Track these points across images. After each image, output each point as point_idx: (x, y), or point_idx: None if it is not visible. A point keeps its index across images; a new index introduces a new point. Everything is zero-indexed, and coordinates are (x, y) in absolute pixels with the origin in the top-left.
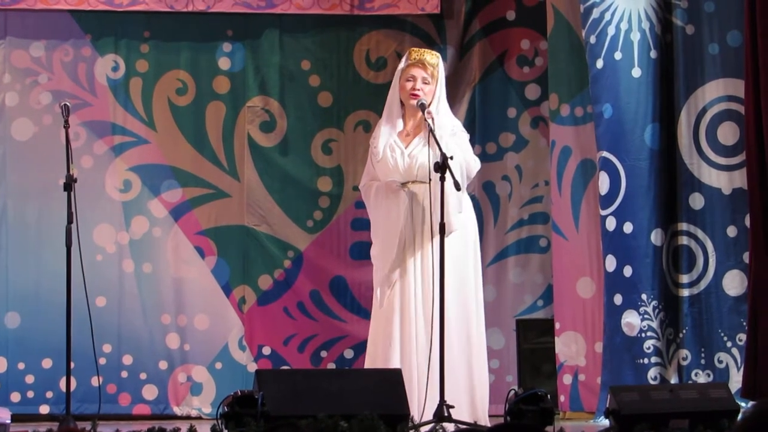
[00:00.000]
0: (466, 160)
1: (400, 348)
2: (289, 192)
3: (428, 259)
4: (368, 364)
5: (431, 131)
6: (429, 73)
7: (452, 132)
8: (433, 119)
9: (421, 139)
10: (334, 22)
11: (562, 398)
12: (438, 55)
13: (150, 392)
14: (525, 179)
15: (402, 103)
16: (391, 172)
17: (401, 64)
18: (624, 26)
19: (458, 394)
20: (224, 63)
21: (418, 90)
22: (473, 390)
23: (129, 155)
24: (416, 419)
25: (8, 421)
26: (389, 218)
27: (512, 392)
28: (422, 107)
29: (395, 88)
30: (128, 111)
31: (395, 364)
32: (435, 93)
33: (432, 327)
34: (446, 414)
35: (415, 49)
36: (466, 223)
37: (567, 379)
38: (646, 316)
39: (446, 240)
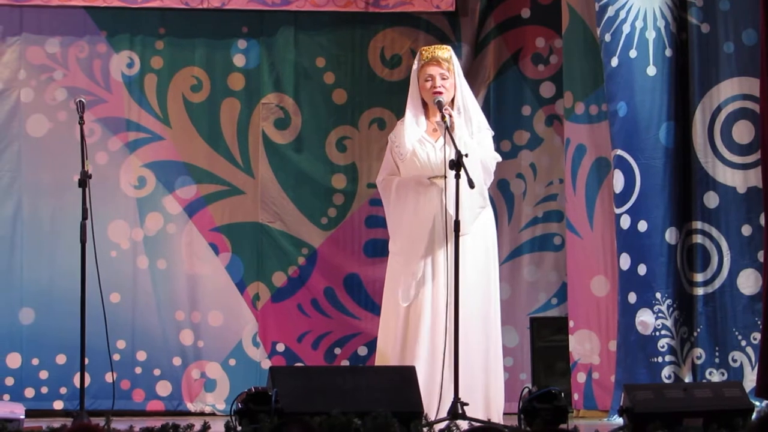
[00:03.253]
0: (484, 157)
1: (430, 344)
2: (303, 189)
3: (447, 256)
4: (380, 360)
5: (447, 129)
6: (445, 68)
7: (477, 128)
8: (451, 115)
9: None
10: (349, 19)
11: (575, 396)
12: (448, 48)
13: (164, 388)
14: (539, 177)
15: (425, 102)
16: (423, 166)
17: (415, 65)
18: (639, 24)
19: (474, 392)
20: (239, 60)
21: (440, 87)
22: (489, 388)
23: (144, 152)
24: (434, 416)
25: (22, 417)
26: (417, 212)
27: (526, 390)
28: (439, 105)
29: (414, 88)
30: (143, 107)
31: (422, 360)
32: (456, 85)
33: (447, 324)
34: (460, 411)
35: (425, 48)
36: (487, 221)
37: (581, 377)
38: (660, 314)
39: (468, 238)
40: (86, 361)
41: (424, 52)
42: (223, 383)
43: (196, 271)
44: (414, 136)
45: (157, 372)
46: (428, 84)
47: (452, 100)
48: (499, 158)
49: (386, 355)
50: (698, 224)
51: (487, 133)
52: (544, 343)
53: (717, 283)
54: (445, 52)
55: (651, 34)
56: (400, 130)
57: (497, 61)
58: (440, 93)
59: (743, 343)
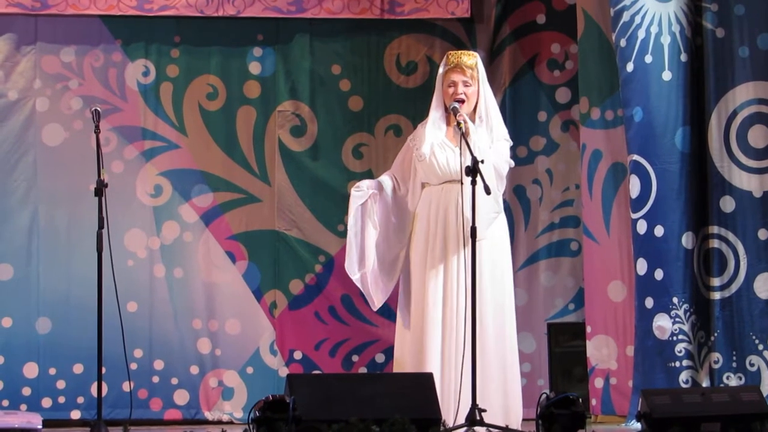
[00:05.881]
0: (497, 161)
1: (446, 351)
2: (319, 196)
3: (466, 261)
4: (397, 369)
5: (462, 135)
6: (469, 75)
7: (497, 137)
8: (465, 121)
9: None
10: (365, 26)
11: (593, 402)
12: (476, 55)
13: (181, 397)
14: (556, 183)
15: (446, 108)
16: (442, 171)
17: (441, 69)
18: (654, 29)
19: (493, 398)
20: (255, 68)
21: (461, 94)
22: (506, 394)
23: (160, 160)
24: (452, 423)
25: (40, 427)
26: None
27: (544, 396)
28: (454, 111)
29: (438, 92)
30: (159, 116)
31: (437, 367)
32: (479, 93)
33: (465, 331)
34: (478, 418)
35: (452, 52)
36: (500, 227)
37: (598, 382)
38: (677, 319)
39: (482, 244)
40: (103, 370)
41: (450, 56)
42: (241, 391)
43: (213, 279)
44: (434, 139)
45: (174, 381)
46: (450, 90)
47: (474, 108)
48: (512, 163)
49: (403, 363)
50: (714, 229)
51: (504, 143)
52: (562, 348)
53: (734, 288)
54: (471, 59)
55: (666, 39)
56: (421, 132)
57: (513, 67)
58: (462, 101)
59: (760, 347)
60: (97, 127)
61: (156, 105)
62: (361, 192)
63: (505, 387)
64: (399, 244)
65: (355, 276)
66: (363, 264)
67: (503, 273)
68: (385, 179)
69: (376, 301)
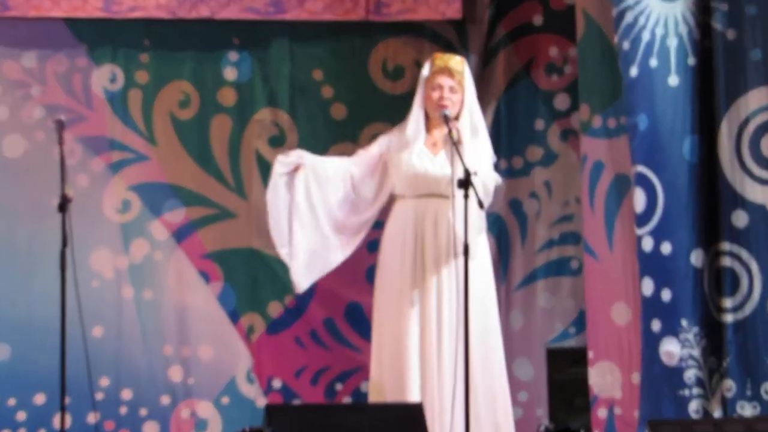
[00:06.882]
0: (484, 178)
1: (421, 377)
2: None
3: (449, 280)
4: (374, 393)
5: (454, 144)
6: (456, 81)
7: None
8: (458, 131)
9: (449, 153)
10: (348, 29)
11: None
12: (463, 60)
13: (151, 429)
14: (554, 196)
15: (427, 113)
16: (418, 181)
17: (424, 72)
18: (660, 31)
19: (483, 429)
20: (230, 73)
21: (446, 100)
22: (498, 426)
23: (128, 173)
24: None
25: None
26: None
27: (543, 427)
28: (446, 119)
29: (420, 96)
30: (127, 125)
31: (413, 394)
32: (464, 102)
33: (456, 354)
34: None
35: (438, 55)
36: (483, 246)
37: (602, 412)
38: (686, 343)
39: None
40: (67, 400)
41: (436, 59)
42: (216, 423)
43: (186, 301)
44: (413, 147)
45: (143, 412)
46: (435, 94)
47: (456, 117)
48: (499, 180)
49: (381, 387)
50: (726, 245)
51: (487, 157)
52: (562, 376)
53: (747, 309)
54: (459, 64)
55: (673, 42)
56: (398, 136)
57: (508, 71)
58: (446, 106)
59: None
60: (60, 138)
61: (124, 114)
62: (288, 159)
63: (495, 417)
64: (347, 227)
65: (283, 250)
66: (291, 240)
67: (487, 294)
68: (333, 159)
69: (298, 285)
